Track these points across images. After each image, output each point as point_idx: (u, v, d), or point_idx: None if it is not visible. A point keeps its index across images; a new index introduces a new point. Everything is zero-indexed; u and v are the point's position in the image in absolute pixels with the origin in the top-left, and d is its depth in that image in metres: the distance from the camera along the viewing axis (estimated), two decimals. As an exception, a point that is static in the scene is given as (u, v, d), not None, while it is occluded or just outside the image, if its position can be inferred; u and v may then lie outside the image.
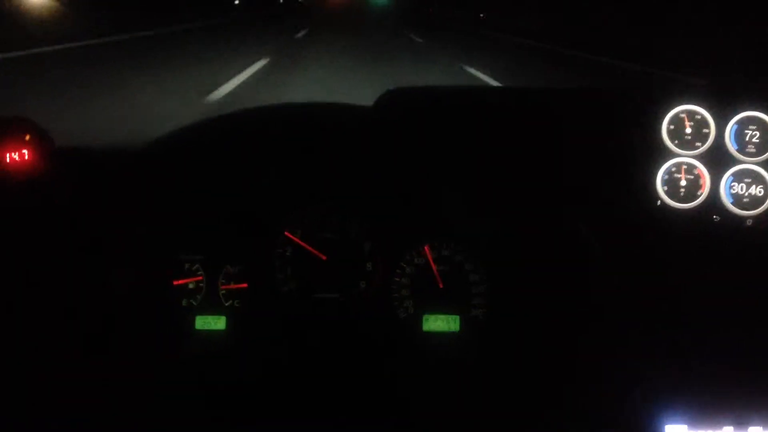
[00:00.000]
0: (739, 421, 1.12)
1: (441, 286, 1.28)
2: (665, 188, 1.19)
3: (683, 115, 1.19)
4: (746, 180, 1.18)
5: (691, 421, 1.11)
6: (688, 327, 1.16)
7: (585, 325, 1.20)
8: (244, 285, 1.27)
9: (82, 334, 1.19)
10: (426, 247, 1.28)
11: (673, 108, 1.19)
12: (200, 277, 1.27)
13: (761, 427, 1.12)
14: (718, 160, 1.19)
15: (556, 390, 1.16)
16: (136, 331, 1.22)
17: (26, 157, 1.17)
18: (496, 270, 1.26)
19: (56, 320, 1.19)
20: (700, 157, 1.19)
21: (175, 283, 1.26)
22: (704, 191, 1.19)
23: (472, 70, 8.93)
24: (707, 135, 1.19)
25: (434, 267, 1.28)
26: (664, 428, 1.11)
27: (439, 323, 1.27)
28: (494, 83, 7.82)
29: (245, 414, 1.18)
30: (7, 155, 1.16)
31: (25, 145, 1.17)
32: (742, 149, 1.18)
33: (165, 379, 1.20)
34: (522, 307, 1.24)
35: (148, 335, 1.23)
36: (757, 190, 1.17)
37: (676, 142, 1.19)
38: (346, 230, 1.29)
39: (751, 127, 1.18)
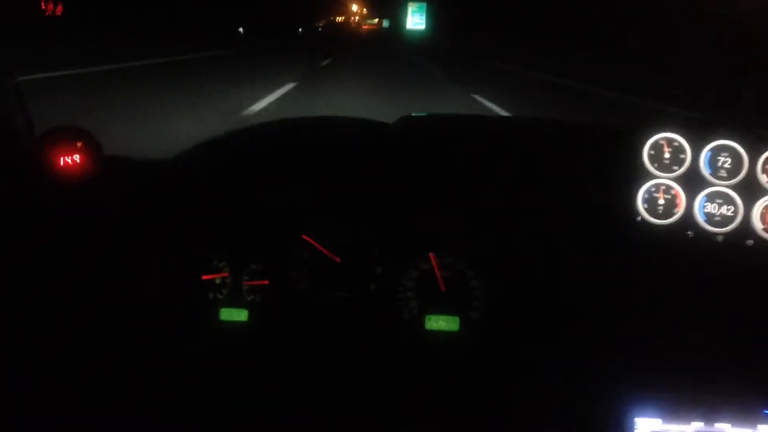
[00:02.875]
0: (708, 417, 1.24)
1: (443, 290, 1.40)
2: (645, 206, 1.33)
3: (663, 142, 1.33)
4: (718, 201, 1.31)
5: (662, 415, 1.24)
6: (663, 329, 1.29)
7: (569, 326, 1.33)
8: (266, 282, 1.41)
9: (117, 325, 1.32)
10: (431, 255, 1.41)
11: (653, 135, 1.33)
12: (226, 274, 1.41)
13: (729, 424, 1.24)
14: (693, 182, 1.32)
15: (541, 384, 1.29)
16: (167, 321, 1.36)
17: (78, 162, 1.32)
18: (493, 277, 1.40)
19: (93, 310, 1.32)
20: (676, 179, 1.32)
21: (204, 278, 1.40)
22: (680, 210, 1.32)
23: (485, 102, 9.18)
24: (684, 160, 1.32)
25: (438, 273, 1.41)
26: (635, 421, 1.24)
27: (440, 323, 1.40)
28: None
29: (261, 399, 1.31)
30: (61, 159, 1.31)
31: (78, 151, 1.31)
32: (714, 173, 1.32)
33: (191, 365, 1.34)
34: (515, 310, 1.37)
35: (178, 324, 1.37)
36: (727, 210, 1.31)
37: (656, 165, 1.33)
38: (359, 236, 1.42)
39: (723, 154, 1.31)
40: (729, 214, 1.30)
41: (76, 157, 1.31)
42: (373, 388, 1.32)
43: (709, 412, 1.24)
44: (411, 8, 42.26)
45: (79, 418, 1.24)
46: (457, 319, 1.39)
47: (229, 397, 1.31)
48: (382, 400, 1.31)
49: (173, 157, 1.40)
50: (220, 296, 1.41)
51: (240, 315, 1.40)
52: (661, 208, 1.32)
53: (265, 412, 1.31)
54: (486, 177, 1.42)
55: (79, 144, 1.32)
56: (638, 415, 1.23)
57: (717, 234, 1.31)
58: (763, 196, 1.30)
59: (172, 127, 5.79)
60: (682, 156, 1.32)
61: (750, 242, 1.30)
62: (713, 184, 1.31)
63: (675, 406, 1.24)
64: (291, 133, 1.46)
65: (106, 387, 1.28)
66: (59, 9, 17.95)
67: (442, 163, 1.43)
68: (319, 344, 1.37)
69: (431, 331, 1.39)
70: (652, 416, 1.23)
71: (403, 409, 1.30)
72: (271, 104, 7.98)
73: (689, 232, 1.32)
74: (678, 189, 1.32)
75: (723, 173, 1.31)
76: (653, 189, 1.33)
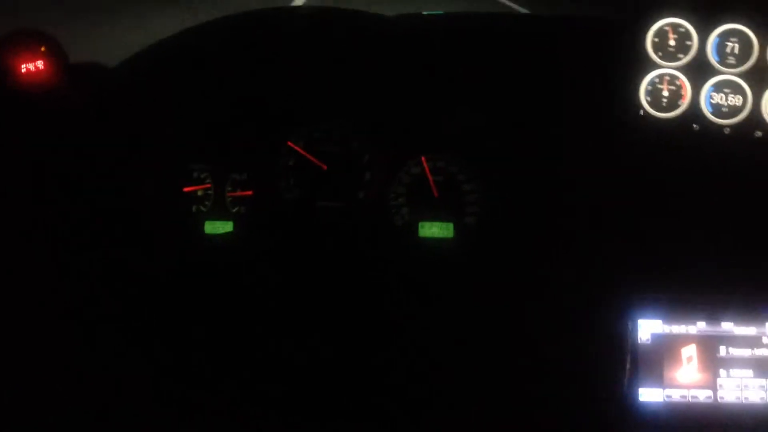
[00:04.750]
0: (712, 316, 1.21)
1: (436, 195, 1.35)
2: (648, 98, 1.25)
3: (667, 28, 1.24)
4: (726, 90, 1.23)
5: (666, 316, 1.20)
6: (666, 227, 1.23)
7: (568, 228, 1.27)
8: (250, 192, 1.34)
9: (97, 241, 1.27)
10: (423, 158, 1.35)
11: (657, 20, 1.24)
12: (208, 185, 1.34)
13: (732, 323, 1.21)
14: (699, 71, 1.23)
15: (539, 289, 1.25)
16: (149, 236, 1.30)
17: (41, 69, 1.23)
18: (487, 180, 1.34)
19: (71, 226, 1.25)
20: (682, 69, 1.24)
21: (185, 189, 1.34)
22: (685, 101, 1.24)
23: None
24: (690, 47, 1.23)
25: (430, 177, 1.35)
26: (637, 323, 1.20)
27: (434, 230, 1.35)
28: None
29: (248, 313, 1.27)
30: (23, 66, 1.22)
31: (40, 56, 1.22)
32: (722, 61, 1.23)
33: (175, 281, 1.28)
34: (511, 214, 1.32)
35: (161, 239, 1.31)
36: (735, 100, 1.23)
37: (660, 54, 1.24)
38: (347, 141, 1.35)
39: (732, 39, 1.22)
40: (737, 104, 1.23)
41: (39, 64, 1.22)
42: (366, 299, 1.27)
43: (714, 311, 1.20)
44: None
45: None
46: (451, 225, 1.34)
47: (215, 311, 1.26)
48: (375, 311, 1.27)
49: (141, 54, 1.28)
50: (203, 208, 1.35)
51: (225, 227, 1.34)
52: (665, 100, 1.24)
53: (253, 327, 1.27)
54: (481, 75, 1.34)
55: (42, 49, 1.23)
56: (642, 317, 1.19)
57: (724, 126, 1.24)
58: None
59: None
60: (689, 43, 1.23)
61: (759, 134, 1.23)
62: (721, 73, 1.23)
63: (679, 306, 1.20)
64: (273, 25, 1.35)
65: (93, 308, 1.24)
66: None
67: (437, 63, 1.34)
68: (307, 256, 1.32)
69: (425, 238, 1.34)
70: (655, 318, 1.20)
71: (397, 319, 1.27)
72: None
73: (695, 125, 1.24)
74: (683, 79, 1.24)
75: (731, 60, 1.23)
76: (657, 80, 1.24)
